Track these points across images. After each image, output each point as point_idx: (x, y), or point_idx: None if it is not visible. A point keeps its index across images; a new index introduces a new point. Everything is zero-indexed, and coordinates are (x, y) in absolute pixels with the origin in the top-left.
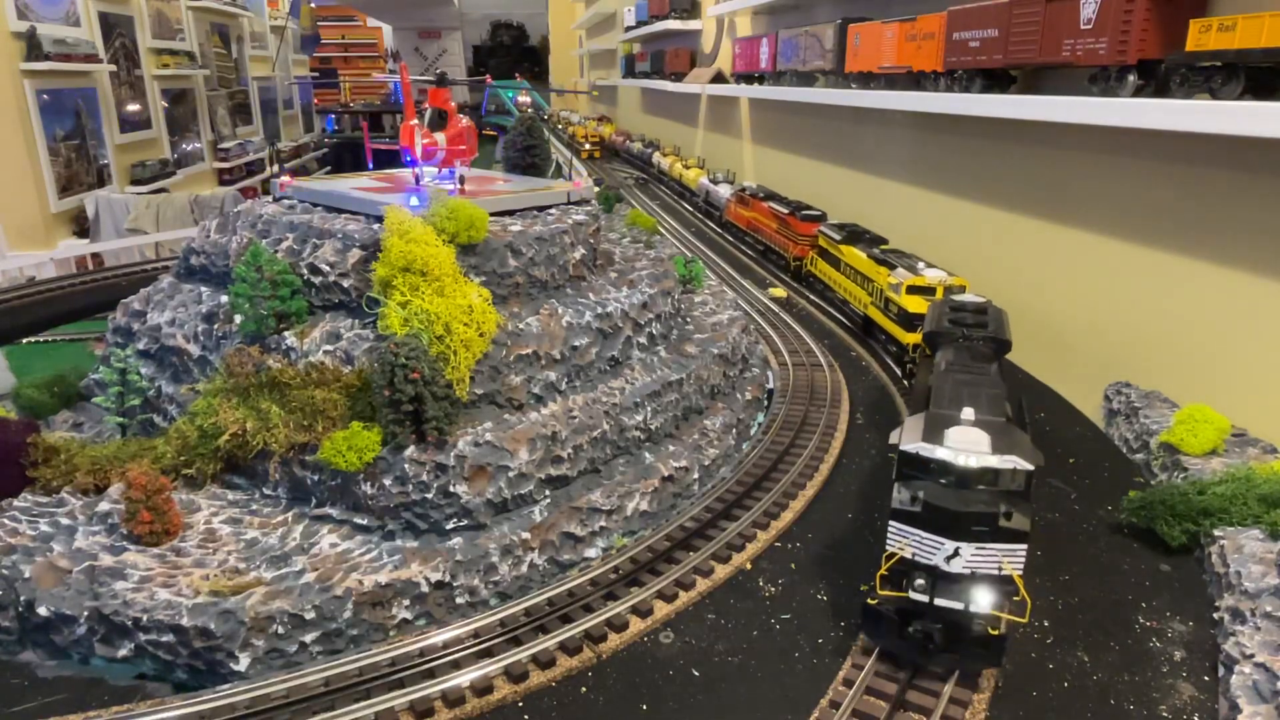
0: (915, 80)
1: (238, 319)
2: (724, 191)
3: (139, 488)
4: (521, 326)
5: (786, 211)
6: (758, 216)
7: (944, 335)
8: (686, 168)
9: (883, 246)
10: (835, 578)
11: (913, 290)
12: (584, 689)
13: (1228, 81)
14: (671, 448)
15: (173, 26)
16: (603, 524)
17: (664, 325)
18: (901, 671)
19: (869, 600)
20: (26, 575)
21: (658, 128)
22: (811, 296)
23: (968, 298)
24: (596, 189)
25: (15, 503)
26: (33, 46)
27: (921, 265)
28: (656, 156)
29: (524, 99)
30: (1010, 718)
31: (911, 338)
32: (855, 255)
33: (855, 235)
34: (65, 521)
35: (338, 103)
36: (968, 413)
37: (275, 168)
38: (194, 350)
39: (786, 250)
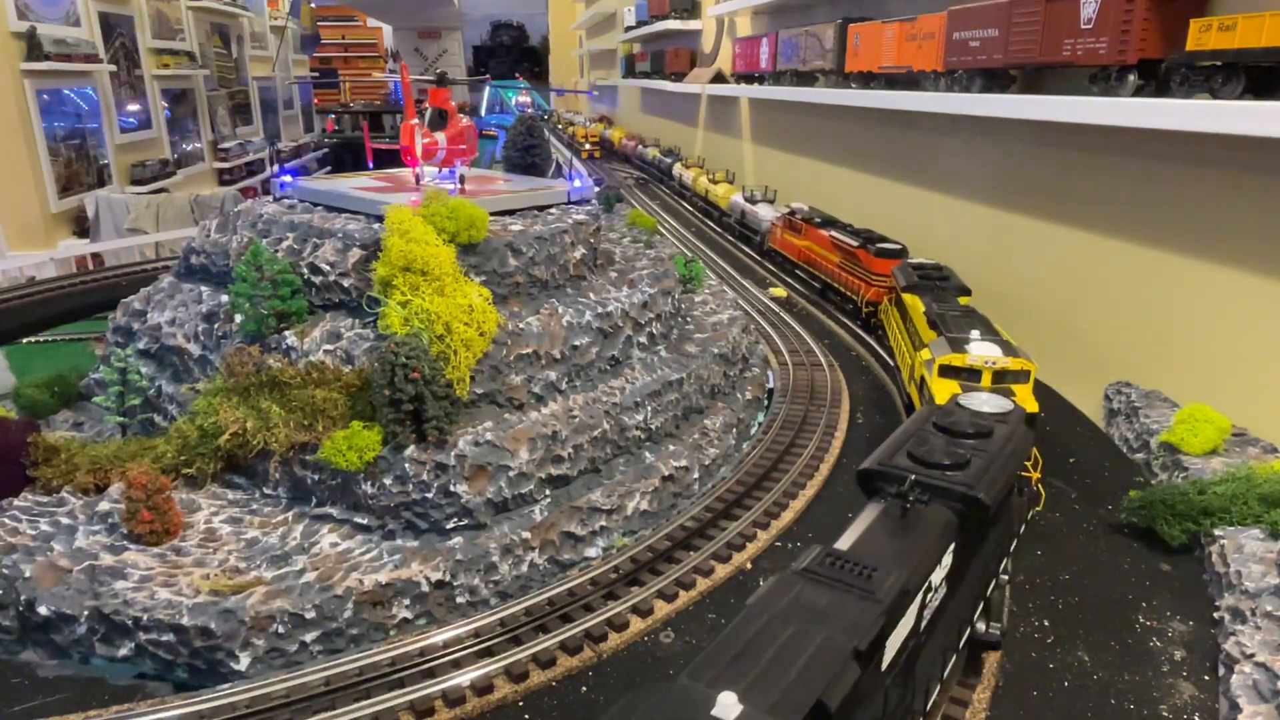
0: (914, 80)
1: (238, 318)
2: (765, 213)
3: (139, 487)
4: (522, 326)
5: (855, 244)
6: (813, 247)
7: (883, 478)
8: (714, 182)
9: (963, 299)
10: None
11: (947, 372)
12: (584, 688)
13: (1228, 81)
14: (672, 447)
15: (173, 26)
16: (603, 523)
17: (664, 325)
18: None
19: None
20: (27, 574)
21: (657, 128)
22: (880, 353)
23: (982, 400)
24: (597, 189)
25: (15, 502)
26: (33, 46)
27: (976, 336)
28: (678, 169)
29: (524, 99)
30: (1010, 717)
31: None
32: (916, 308)
33: (926, 280)
34: (65, 521)
35: (338, 103)
36: (726, 702)
37: (275, 167)
38: (194, 350)
39: (856, 293)
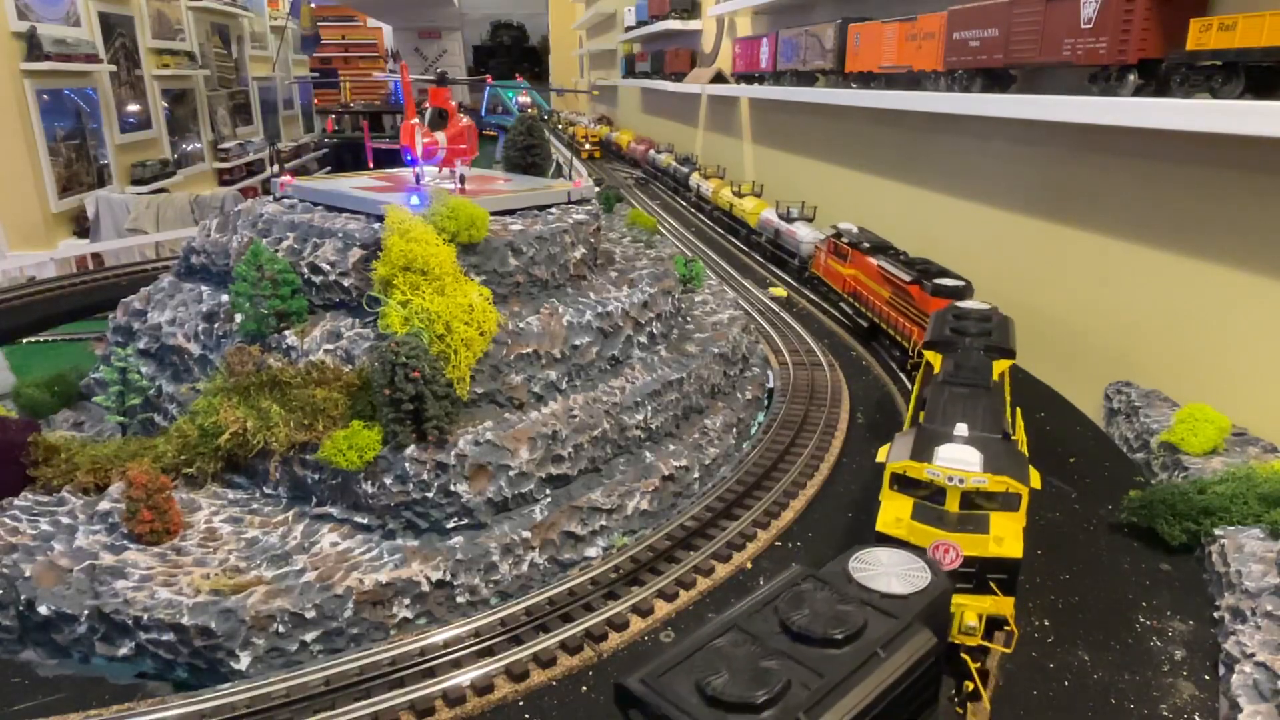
0: (915, 80)
1: (238, 318)
2: (805, 235)
3: (139, 487)
4: (522, 325)
5: (907, 278)
6: (861, 277)
7: (641, 709)
8: (739, 195)
9: (1002, 363)
10: None
11: (900, 485)
12: (585, 688)
13: (1228, 81)
14: (672, 447)
15: (173, 26)
16: (603, 523)
17: (664, 324)
18: None
19: None
20: (27, 574)
21: (657, 128)
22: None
23: (884, 564)
24: (597, 189)
25: (16, 502)
26: (33, 46)
27: (960, 431)
28: (695, 178)
29: (524, 99)
30: (1010, 717)
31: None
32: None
33: (958, 333)
34: (66, 520)
35: (338, 103)
36: None
37: (275, 168)
38: (194, 349)
39: (908, 338)
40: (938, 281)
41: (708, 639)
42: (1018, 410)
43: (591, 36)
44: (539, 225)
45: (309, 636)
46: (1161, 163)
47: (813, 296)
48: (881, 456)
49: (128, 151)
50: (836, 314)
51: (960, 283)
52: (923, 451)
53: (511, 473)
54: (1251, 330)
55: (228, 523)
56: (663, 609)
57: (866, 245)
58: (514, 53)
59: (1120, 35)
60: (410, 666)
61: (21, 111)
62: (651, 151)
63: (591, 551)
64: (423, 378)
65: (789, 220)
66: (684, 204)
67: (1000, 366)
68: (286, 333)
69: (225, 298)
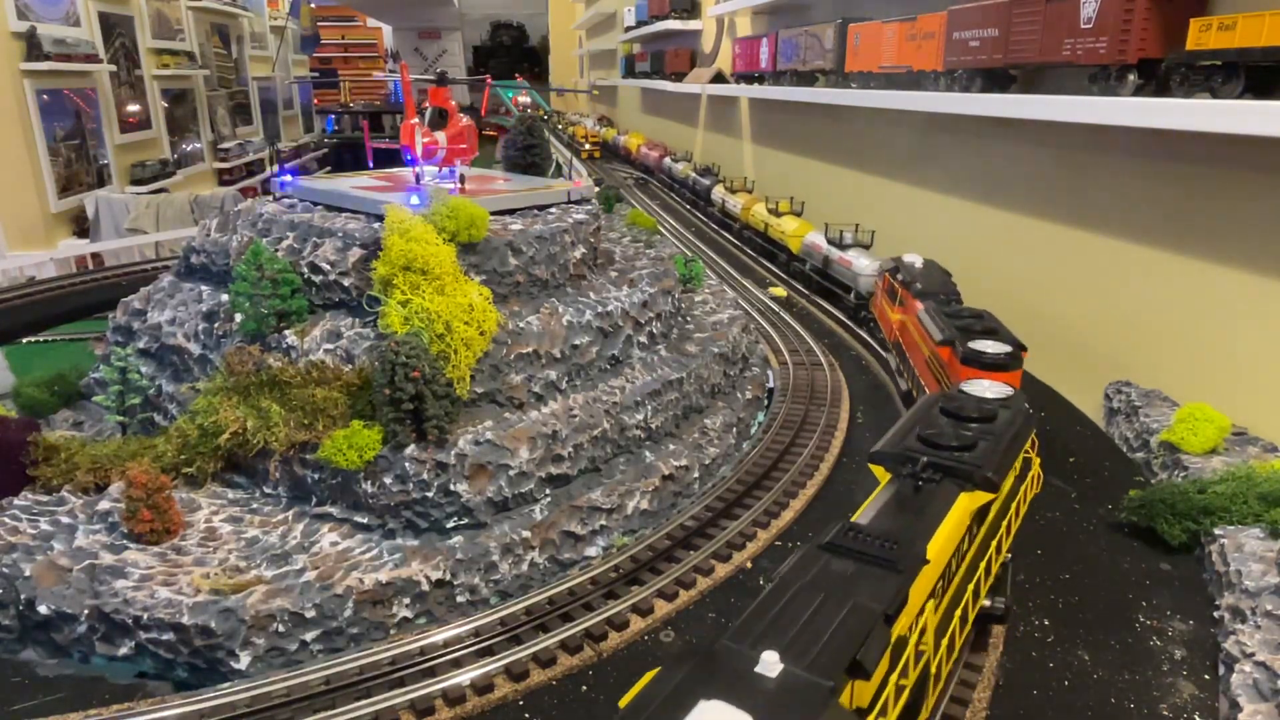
0: (915, 80)
1: (238, 318)
2: (863, 264)
3: (139, 486)
4: (522, 325)
5: (939, 337)
6: (907, 325)
7: None
8: (776, 214)
9: (975, 499)
10: None
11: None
12: (584, 687)
13: (1228, 80)
14: (672, 446)
15: (173, 26)
16: (603, 523)
17: (664, 324)
18: None
19: None
20: (27, 574)
21: (658, 128)
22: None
23: None
24: (596, 188)
25: (16, 501)
26: (33, 46)
27: (762, 671)
28: (719, 192)
29: (524, 99)
30: (1011, 716)
31: None
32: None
33: (926, 444)
34: (66, 520)
35: (337, 103)
36: None
37: (275, 168)
38: (194, 349)
39: None
40: (972, 345)
41: None
42: (961, 603)
43: (591, 36)
44: (539, 225)
45: (309, 636)
46: (1161, 162)
47: (867, 339)
48: (632, 693)
49: (127, 151)
50: (887, 362)
51: (1004, 349)
52: (676, 704)
53: (511, 472)
54: (1251, 330)
55: (228, 522)
56: (663, 609)
57: (919, 285)
58: (514, 53)
59: (1120, 35)
60: (410, 666)
61: (21, 111)
62: (667, 160)
63: (591, 551)
64: (423, 377)
65: (841, 246)
66: (703, 219)
67: (967, 506)
68: (286, 332)
69: (225, 297)
